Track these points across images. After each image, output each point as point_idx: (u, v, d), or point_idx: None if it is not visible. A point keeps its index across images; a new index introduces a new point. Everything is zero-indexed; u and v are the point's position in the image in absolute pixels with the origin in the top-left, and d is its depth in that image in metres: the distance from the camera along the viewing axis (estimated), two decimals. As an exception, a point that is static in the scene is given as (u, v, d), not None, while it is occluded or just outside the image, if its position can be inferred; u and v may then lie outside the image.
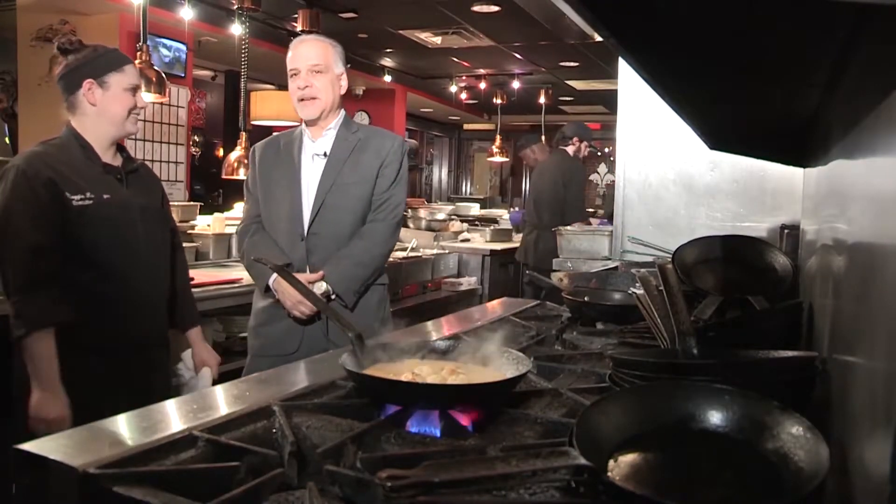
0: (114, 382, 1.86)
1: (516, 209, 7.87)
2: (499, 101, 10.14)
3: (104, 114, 1.96)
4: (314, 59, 2.22)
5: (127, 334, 1.94)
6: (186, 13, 5.56)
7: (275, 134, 2.50)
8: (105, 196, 1.92)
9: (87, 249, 1.88)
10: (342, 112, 2.34)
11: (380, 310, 2.36)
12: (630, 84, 2.96)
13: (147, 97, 4.19)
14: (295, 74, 2.23)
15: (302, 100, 2.23)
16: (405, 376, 1.09)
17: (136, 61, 4.03)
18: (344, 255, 2.22)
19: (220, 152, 8.98)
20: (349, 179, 2.25)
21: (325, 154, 2.28)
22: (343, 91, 2.30)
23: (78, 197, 1.87)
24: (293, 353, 2.21)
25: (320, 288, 2.16)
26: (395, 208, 2.31)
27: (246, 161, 4.58)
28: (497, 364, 1.19)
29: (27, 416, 1.81)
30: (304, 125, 2.31)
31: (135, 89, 2.00)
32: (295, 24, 6.17)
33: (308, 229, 2.23)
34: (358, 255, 2.23)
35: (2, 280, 1.85)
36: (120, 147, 2.06)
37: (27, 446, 0.90)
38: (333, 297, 2.19)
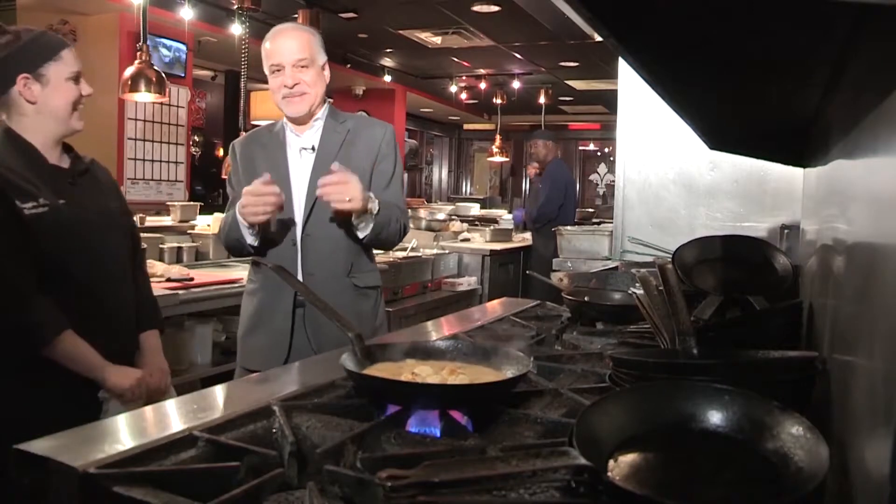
0: (78, 398, 1.66)
1: (519, 208, 7.89)
2: (499, 101, 10.15)
3: (45, 111, 1.70)
4: (298, 52, 2.05)
5: (95, 349, 1.69)
6: (186, 13, 5.56)
7: (254, 129, 2.35)
8: (60, 202, 1.68)
9: (45, 262, 1.64)
10: (327, 102, 2.21)
11: (374, 316, 2.22)
12: (630, 84, 2.96)
13: (147, 97, 4.20)
14: (278, 70, 2.07)
15: (288, 97, 2.07)
16: (405, 376, 1.09)
17: (136, 61, 4.03)
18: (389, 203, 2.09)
19: (220, 152, 8.99)
20: None
21: (312, 148, 2.14)
22: (327, 81, 2.16)
23: (30, 205, 1.62)
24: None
25: (373, 201, 1.99)
26: (402, 203, 2.19)
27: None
28: (497, 364, 1.19)
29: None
30: (285, 119, 2.17)
31: (77, 77, 1.72)
32: (295, 24, 6.16)
33: (302, 230, 2.09)
34: (398, 214, 2.10)
35: None
36: (66, 146, 1.81)
37: (27, 446, 0.90)
38: (376, 212, 2.01)
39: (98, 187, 1.85)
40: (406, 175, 12.07)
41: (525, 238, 6.41)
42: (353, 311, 2.06)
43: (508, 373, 1.14)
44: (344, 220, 2.07)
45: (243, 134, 2.36)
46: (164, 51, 6.19)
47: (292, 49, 2.06)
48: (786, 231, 2.24)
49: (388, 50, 8.31)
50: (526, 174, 13.31)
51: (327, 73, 2.17)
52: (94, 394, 1.70)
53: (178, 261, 3.76)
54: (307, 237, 2.09)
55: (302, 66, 2.07)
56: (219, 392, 1.23)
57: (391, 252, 4.88)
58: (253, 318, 2.15)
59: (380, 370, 1.15)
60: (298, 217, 2.10)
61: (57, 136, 1.75)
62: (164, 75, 4.19)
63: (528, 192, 12.54)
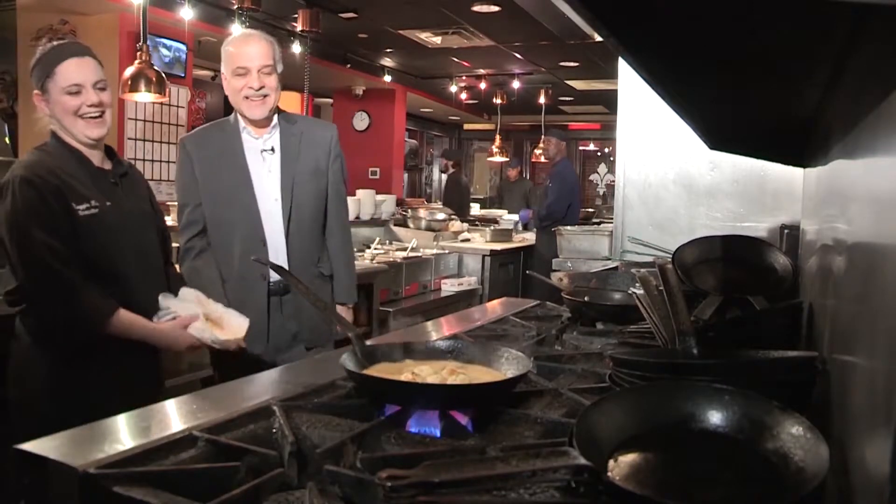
0: (114, 387, 1.81)
1: (525, 208, 7.90)
2: (499, 101, 10.14)
3: (57, 121, 1.87)
4: (265, 59, 2.18)
5: (130, 342, 1.86)
6: (186, 13, 5.56)
7: (203, 126, 2.44)
8: (108, 203, 1.86)
9: (93, 260, 1.82)
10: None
11: (332, 301, 2.41)
12: (630, 84, 2.96)
13: (147, 97, 4.19)
14: (244, 74, 2.17)
15: (250, 98, 2.18)
16: (405, 376, 1.09)
17: (136, 61, 4.03)
18: (343, 267, 2.36)
19: (220, 152, 8.96)
20: (305, 176, 2.25)
21: (272, 150, 2.25)
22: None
23: (83, 206, 1.80)
24: (261, 353, 2.17)
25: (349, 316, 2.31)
26: (346, 206, 2.44)
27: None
28: (497, 364, 1.19)
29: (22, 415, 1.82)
30: (241, 120, 2.25)
31: (75, 88, 1.83)
32: (295, 24, 6.17)
33: (286, 229, 2.22)
34: (350, 260, 2.40)
35: (35, 294, 1.78)
36: (109, 150, 1.99)
37: (27, 446, 0.90)
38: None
39: (135, 189, 2.02)
40: (406, 175, 12.10)
41: (525, 238, 6.42)
42: (320, 295, 2.28)
43: (508, 373, 1.14)
44: (308, 217, 2.27)
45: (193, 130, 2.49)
46: (164, 51, 6.18)
47: (259, 55, 2.18)
48: (786, 231, 2.23)
49: (388, 50, 8.31)
50: (526, 172, 13.23)
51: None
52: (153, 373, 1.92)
53: (178, 261, 3.75)
54: (290, 235, 2.24)
55: (267, 72, 2.18)
56: (219, 392, 1.23)
57: (391, 252, 4.89)
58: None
59: (380, 370, 1.15)
60: (278, 217, 2.23)
61: (83, 143, 1.88)
62: (164, 75, 4.18)
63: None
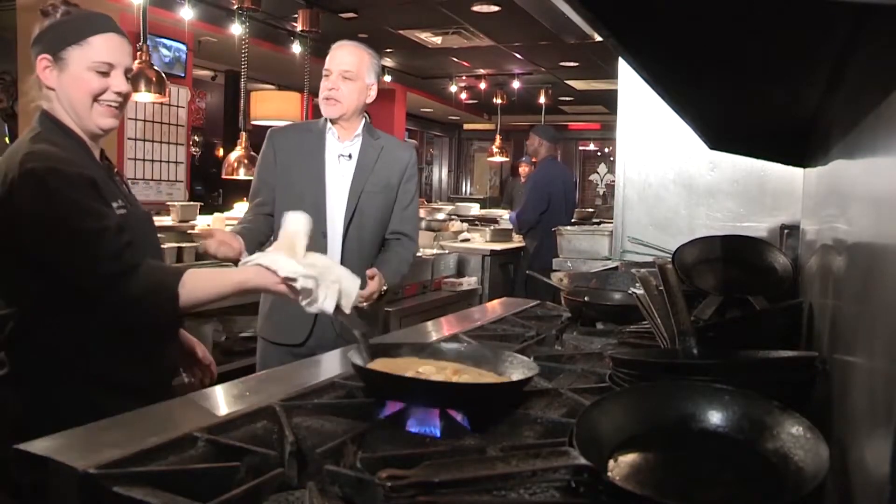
0: (135, 387, 1.51)
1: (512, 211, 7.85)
2: (499, 101, 10.13)
3: (64, 100, 1.51)
4: (347, 65, 2.31)
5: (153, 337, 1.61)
6: (186, 13, 5.56)
7: (294, 124, 2.59)
8: (132, 204, 1.60)
9: None
10: (365, 117, 2.43)
11: (379, 311, 2.48)
12: (630, 84, 2.96)
13: (147, 97, 4.19)
14: (326, 75, 2.33)
15: (326, 99, 2.32)
16: (410, 374, 1.09)
17: (136, 61, 4.03)
18: (401, 255, 2.40)
19: (220, 152, 8.99)
20: (375, 188, 2.35)
21: (349, 156, 2.36)
22: (370, 101, 2.39)
23: (116, 204, 1.49)
24: (301, 344, 2.28)
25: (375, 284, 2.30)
26: (416, 223, 2.51)
27: (246, 161, 4.58)
28: (501, 367, 1.18)
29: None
30: (329, 122, 2.38)
31: (106, 68, 1.51)
32: (295, 24, 6.17)
33: (344, 233, 2.31)
34: (405, 256, 2.42)
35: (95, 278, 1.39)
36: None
37: (27, 446, 0.90)
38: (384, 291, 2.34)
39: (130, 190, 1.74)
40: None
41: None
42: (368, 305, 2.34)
43: (514, 376, 1.13)
44: (371, 226, 2.35)
45: (279, 125, 2.61)
46: (164, 51, 6.18)
47: (343, 60, 2.33)
48: (786, 231, 2.23)
49: (388, 50, 8.30)
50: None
51: (373, 93, 2.40)
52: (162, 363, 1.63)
53: (179, 261, 3.75)
54: (347, 239, 2.32)
55: (346, 78, 2.31)
56: (219, 392, 1.23)
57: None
58: (274, 299, 2.31)
59: (383, 368, 1.15)
60: (339, 220, 2.32)
61: (85, 131, 1.56)
62: (164, 75, 4.18)
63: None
